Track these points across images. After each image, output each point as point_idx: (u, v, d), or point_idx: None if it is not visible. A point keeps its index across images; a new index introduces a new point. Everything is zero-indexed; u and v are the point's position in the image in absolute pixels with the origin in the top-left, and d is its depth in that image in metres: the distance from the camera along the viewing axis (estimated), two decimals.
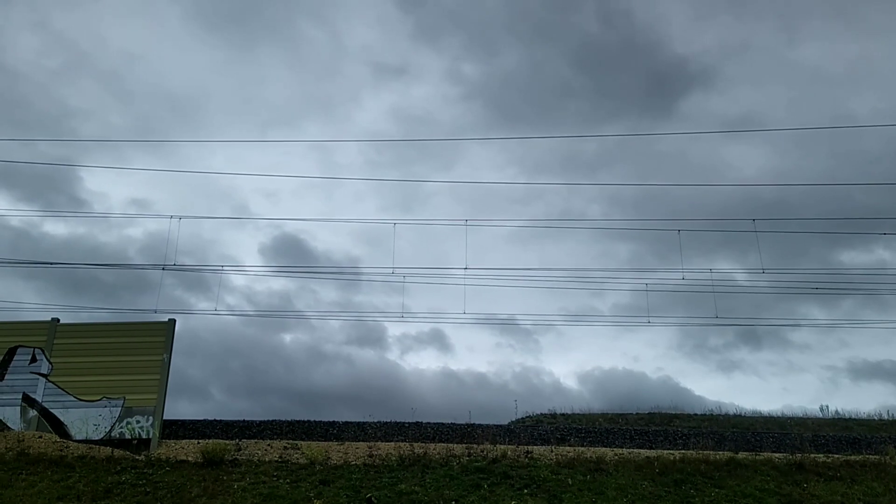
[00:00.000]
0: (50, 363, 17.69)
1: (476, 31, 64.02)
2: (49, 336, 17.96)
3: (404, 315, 20.15)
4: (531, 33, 63.71)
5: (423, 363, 52.14)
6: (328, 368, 39.96)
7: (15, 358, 17.76)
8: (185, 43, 59.93)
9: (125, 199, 48.55)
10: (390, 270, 19.59)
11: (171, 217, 19.74)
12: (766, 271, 19.54)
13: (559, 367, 58.56)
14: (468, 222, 20.06)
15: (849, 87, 57.25)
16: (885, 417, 24.43)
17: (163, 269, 19.67)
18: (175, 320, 18.34)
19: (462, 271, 19.42)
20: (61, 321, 18.36)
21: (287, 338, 43.66)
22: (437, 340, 45.10)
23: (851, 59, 58.43)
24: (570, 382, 46.63)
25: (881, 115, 52.70)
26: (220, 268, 20.66)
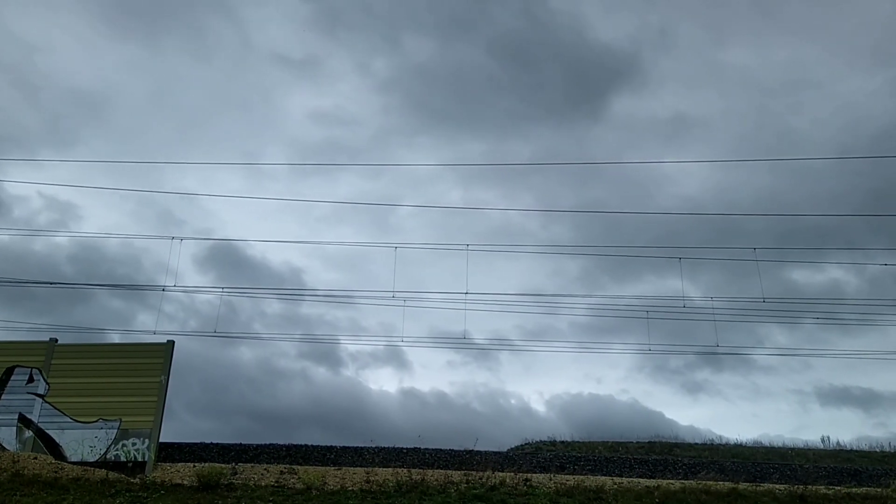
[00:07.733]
0: (47, 383, 17.58)
1: (383, 22, 61.49)
2: (47, 356, 17.88)
3: (403, 339, 20.22)
4: (444, 23, 61.43)
5: (380, 381, 51.33)
6: (286, 386, 38.70)
7: (12, 378, 17.66)
8: (87, 35, 57.91)
9: (45, 202, 46.96)
10: (391, 294, 19.62)
11: (173, 238, 19.81)
12: (766, 300, 19.50)
13: (523, 389, 57.52)
14: (469, 247, 20.10)
15: (783, 95, 56.29)
16: (888, 449, 24.23)
17: (163, 290, 19.68)
18: (173, 342, 18.27)
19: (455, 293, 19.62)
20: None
21: (237, 352, 42.32)
22: (395, 358, 44.33)
23: (782, 62, 57.86)
24: (538, 406, 45.56)
25: (820, 126, 52.29)
26: (221, 290, 20.63)
